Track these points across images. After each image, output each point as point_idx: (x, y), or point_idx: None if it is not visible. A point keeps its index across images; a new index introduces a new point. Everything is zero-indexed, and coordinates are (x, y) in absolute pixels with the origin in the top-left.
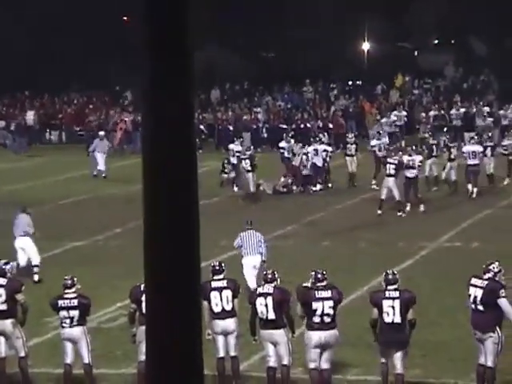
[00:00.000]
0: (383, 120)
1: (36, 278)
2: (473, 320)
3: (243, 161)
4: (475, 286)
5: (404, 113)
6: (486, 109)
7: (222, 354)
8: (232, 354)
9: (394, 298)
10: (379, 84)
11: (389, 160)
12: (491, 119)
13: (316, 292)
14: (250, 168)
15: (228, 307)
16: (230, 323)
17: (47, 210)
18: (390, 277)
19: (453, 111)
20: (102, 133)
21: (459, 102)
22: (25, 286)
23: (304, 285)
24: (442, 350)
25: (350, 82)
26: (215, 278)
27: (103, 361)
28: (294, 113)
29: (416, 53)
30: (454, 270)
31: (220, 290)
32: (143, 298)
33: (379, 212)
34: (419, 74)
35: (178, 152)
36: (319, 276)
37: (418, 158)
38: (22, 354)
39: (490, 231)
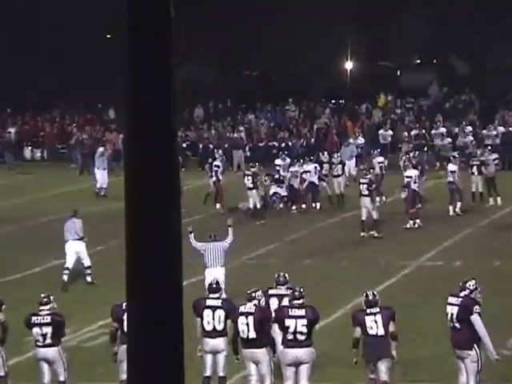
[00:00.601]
0: (351, 140)
1: (89, 279)
2: (451, 338)
3: (245, 177)
4: (451, 304)
5: (390, 132)
6: (469, 128)
7: (208, 373)
8: (220, 374)
9: (375, 313)
10: (363, 103)
11: (361, 180)
12: (472, 138)
13: (290, 310)
14: (251, 185)
15: (219, 327)
16: (219, 342)
17: (31, 226)
18: (371, 298)
19: (433, 130)
20: (101, 149)
21: (441, 121)
22: (5, 305)
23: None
24: (422, 368)
25: (333, 101)
26: (211, 296)
27: (84, 380)
28: (277, 131)
29: (398, 72)
30: (436, 288)
31: (214, 308)
32: (125, 317)
33: (362, 234)
34: (402, 94)
35: (161, 168)
36: (296, 294)
37: (414, 173)
38: (2, 373)
39: (472, 250)
